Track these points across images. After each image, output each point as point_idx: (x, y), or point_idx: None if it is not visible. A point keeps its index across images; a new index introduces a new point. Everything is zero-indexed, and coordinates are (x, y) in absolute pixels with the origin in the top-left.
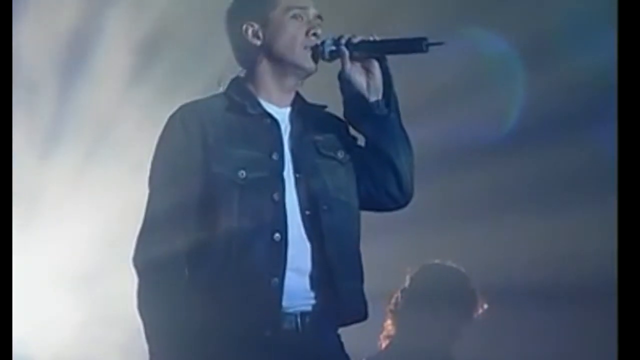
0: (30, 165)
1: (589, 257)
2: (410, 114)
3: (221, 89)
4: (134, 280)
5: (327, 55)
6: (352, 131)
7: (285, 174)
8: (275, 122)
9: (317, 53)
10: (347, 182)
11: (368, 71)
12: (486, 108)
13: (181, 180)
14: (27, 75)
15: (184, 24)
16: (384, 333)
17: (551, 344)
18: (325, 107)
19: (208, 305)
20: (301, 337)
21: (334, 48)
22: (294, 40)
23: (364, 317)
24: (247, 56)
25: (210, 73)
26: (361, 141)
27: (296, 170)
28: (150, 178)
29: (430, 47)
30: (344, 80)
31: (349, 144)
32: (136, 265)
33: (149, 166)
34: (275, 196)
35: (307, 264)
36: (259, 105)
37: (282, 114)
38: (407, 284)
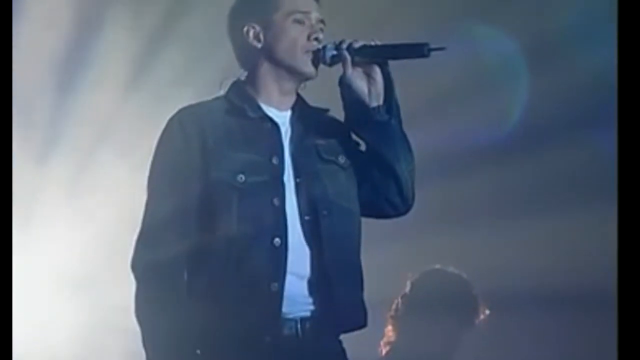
0: (27, 169)
1: (591, 261)
2: (409, 117)
3: (222, 92)
4: (133, 284)
5: (328, 60)
6: (355, 135)
7: (285, 178)
8: (275, 125)
9: (317, 58)
10: (348, 187)
11: (369, 76)
12: (486, 111)
13: (179, 184)
14: (25, 76)
15: (185, 27)
16: (385, 339)
17: (554, 350)
18: (327, 110)
19: (207, 310)
20: (301, 343)
21: (335, 53)
22: (295, 44)
23: (363, 325)
24: (248, 58)
25: (210, 76)
26: (363, 146)
27: (296, 174)
28: (149, 181)
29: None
30: (345, 86)
31: (351, 149)
32: (134, 270)
33: (148, 169)
34: (275, 201)
35: (306, 270)
36: (259, 108)
37: (282, 117)
38: (407, 289)
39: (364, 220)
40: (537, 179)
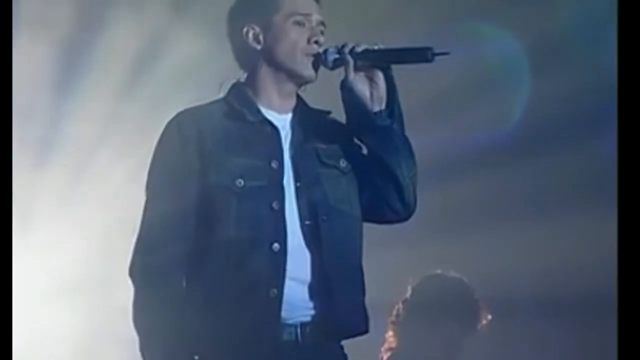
0: (25, 172)
1: (592, 266)
2: (409, 119)
3: (221, 94)
4: (131, 289)
5: (330, 64)
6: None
7: (285, 182)
8: (275, 129)
9: (318, 61)
10: (349, 192)
11: (372, 80)
12: (487, 113)
13: (177, 188)
14: (25, 76)
15: (183, 29)
16: (386, 345)
17: (556, 355)
18: (329, 112)
19: (205, 316)
20: (301, 349)
21: (337, 56)
22: (295, 47)
23: (364, 330)
24: (247, 59)
25: (210, 77)
26: (365, 149)
27: (296, 178)
28: (147, 185)
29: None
30: (347, 89)
31: (353, 153)
32: (132, 276)
33: (146, 173)
34: (275, 205)
35: (306, 275)
36: (259, 112)
37: (282, 120)
38: (408, 294)
39: (364, 224)
40: (538, 182)
